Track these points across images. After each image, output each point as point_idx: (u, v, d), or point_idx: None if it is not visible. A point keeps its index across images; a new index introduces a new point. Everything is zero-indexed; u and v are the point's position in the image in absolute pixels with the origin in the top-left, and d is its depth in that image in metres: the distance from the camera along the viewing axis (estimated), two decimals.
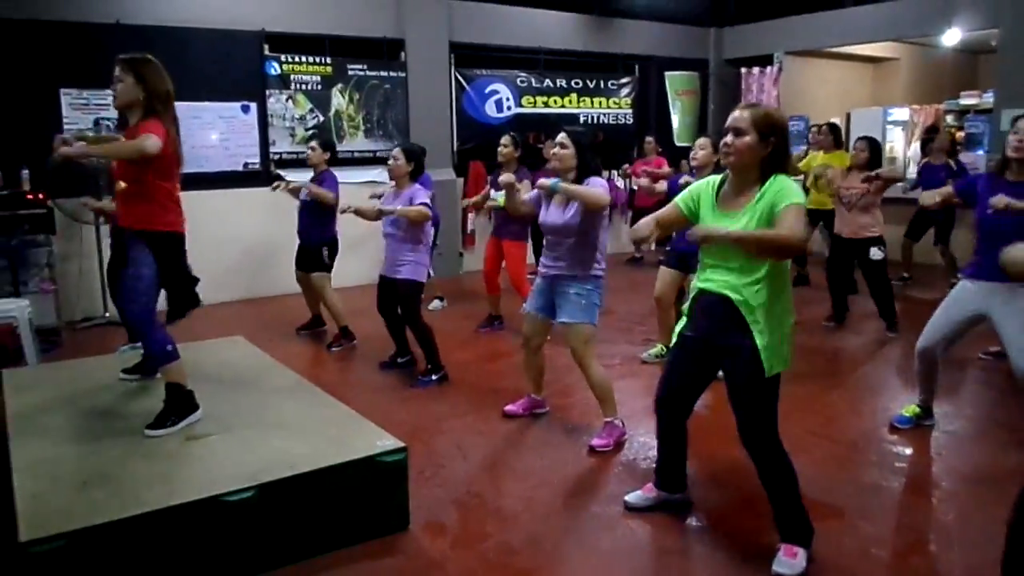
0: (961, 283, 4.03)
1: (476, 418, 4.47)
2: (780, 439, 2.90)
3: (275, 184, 6.20)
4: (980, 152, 8.86)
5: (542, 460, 3.99)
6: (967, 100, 10.30)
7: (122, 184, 3.48)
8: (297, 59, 8.11)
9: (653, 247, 3.16)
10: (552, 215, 4.03)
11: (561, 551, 3.10)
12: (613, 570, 2.97)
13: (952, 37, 9.68)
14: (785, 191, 2.75)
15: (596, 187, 3.90)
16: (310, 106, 8.24)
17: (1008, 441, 4.17)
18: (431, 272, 5.20)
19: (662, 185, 5.63)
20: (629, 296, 7.82)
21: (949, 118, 10.71)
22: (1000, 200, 3.75)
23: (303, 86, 8.18)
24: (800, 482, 3.26)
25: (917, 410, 4.30)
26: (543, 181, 3.96)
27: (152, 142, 3.27)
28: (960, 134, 9.86)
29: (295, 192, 6.01)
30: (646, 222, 3.07)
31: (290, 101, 8.12)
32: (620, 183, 10.49)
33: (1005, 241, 3.78)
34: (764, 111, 2.83)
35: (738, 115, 2.83)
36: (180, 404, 3.52)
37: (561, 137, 4.01)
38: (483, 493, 3.61)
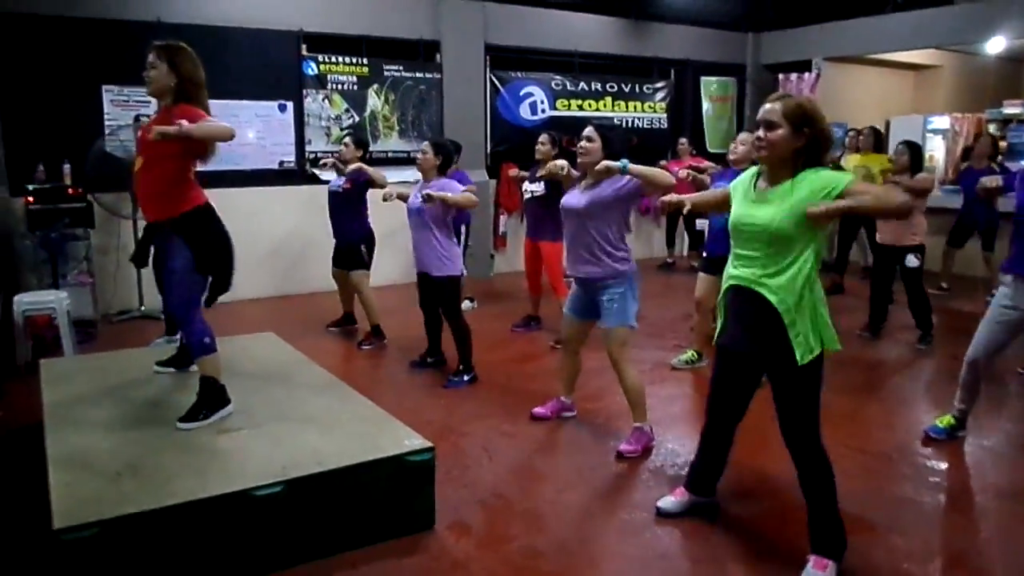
0: (1001, 288, 3.95)
1: (504, 420, 4.46)
2: (821, 437, 2.85)
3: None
4: (1023, 163, 8.67)
5: (569, 464, 3.98)
6: (1011, 109, 10.09)
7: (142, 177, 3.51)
8: (334, 59, 8.18)
9: (685, 211, 3.10)
10: (572, 198, 4.02)
11: (586, 556, 3.08)
12: (641, 575, 2.94)
13: (996, 45, 9.50)
14: (833, 179, 2.67)
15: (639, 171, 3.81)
16: (346, 106, 8.30)
17: None
18: (463, 272, 5.19)
19: (706, 179, 5.51)
20: (660, 302, 7.76)
21: (991, 127, 10.48)
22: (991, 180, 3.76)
23: (339, 86, 8.25)
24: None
25: (952, 421, 4.23)
26: (609, 163, 3.83)
27: (227, 124, 3.38)
28: (1003, 143, 9.66)
29: (403, 198, 5.60)
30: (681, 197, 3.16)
31: (326, 101, 8.19)
32: None
33: None
34: (796, 101, 2.77)
35: (769, 107, 2.78)
36: (213, 398, 3.55)
37: (588, 131, 3.95)
38: (509, 495, 3.60)
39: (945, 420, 4.25)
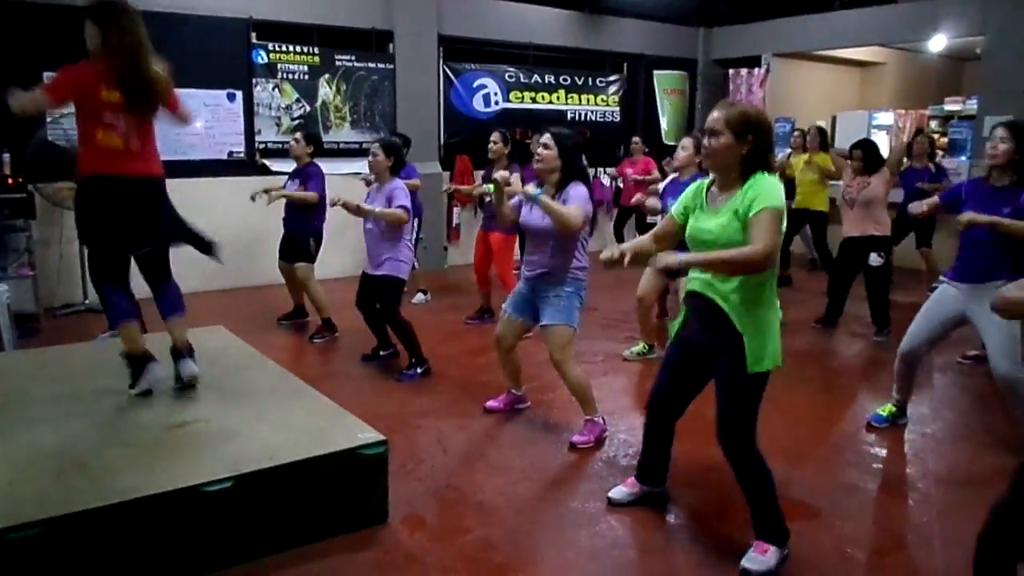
0: (942, 286, 4.07)
1: (458, 412, 4.46)
2: (756, 443, 2.91)
3: (254, 194, 6.13)
4: (963, 158, 8.94)
5: (523, 455, 4.00)
6: (951, 106, 10.38)
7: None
8: (284, 48, 8.06)
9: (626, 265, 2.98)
10: (534, 216, 4.01)
11: (541, 546, 3.10)
12: (592, 565, 2.97)
13: (938, 43, 9.76)
14: (763, 194, 2.69)
15: (575, 203, 3.85)
16: (297, 96, 8.19)
17: (985, 443, 4.22)
18: (416, 265, 5.17)
19: (656, 203, 5.60)
20: (613, 294, 7.83)
21: (933, 123, 10.78)
22: (964, 217, 3.81)
23: (290, 75, 8.13)
24: (779, 482, 3.28)
25: (893, 409, 4.36)
26: (527, 188, 3.94)
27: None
28: (943, 140, 9.94)
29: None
30: (621, 248, 2.96)
31: (276, 90, 8.07)
32: (606, 181, 10.50)
33: (986, 245, 3.84)
34: (739, 110, 2.79)
35: (714, 116, 2.82)
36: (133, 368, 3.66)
37: (545, 138, 3.97)
38: (463, 487, 3.61)
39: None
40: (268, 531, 2.96)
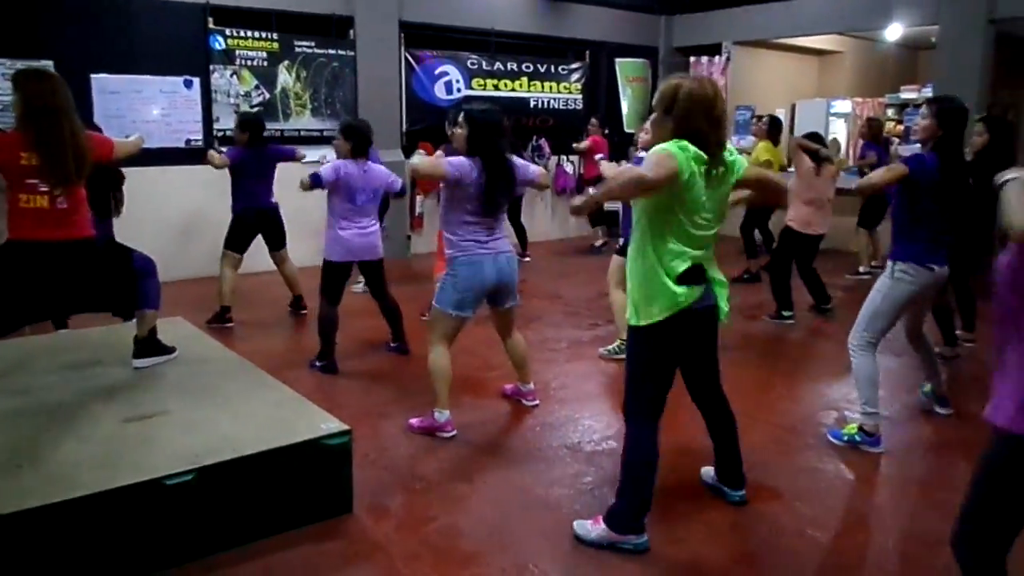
0: (898, 270, 3.97)
1: (424, 402, 4.45)
2: (635, 415, 2.98)
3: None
4: (918, 146, 9.09)
5: (488, 443, 4.01)
6: (907, 94, 10.57)
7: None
8: (242, 34, 7.92)
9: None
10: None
11: (505, 533, 3.11)
12: (559, 550, 3.00)
13: (894, 32, 9.91)
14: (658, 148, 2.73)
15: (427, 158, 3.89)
16: (255, 82, 8.06)
17: (941, 423, 4.32)
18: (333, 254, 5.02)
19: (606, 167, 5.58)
20: (576, 280, 7.88)
21: (890, 111, 10.98)
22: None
23: (248, 62, 8.00)
24: (743, 465, 3.35)
25: (928, 389, 4.48)
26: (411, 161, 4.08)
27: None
28: (899, 127, 10.13)
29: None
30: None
31: (235, 77, 7.93)
32: (569, 168, 10.52)
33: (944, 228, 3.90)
34: (669, 84, 2.81)
35: (657, 92, 2.88)
36: None
37: (460, 117, 3.95)
38: (428, 476, 3.60)
39: (927, 387, 4.48)
40: (231, 523, 2.93)
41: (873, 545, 3.18)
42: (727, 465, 3.34)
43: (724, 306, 2.98)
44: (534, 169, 4.22)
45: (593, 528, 3.02)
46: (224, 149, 6.97)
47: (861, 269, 8.20)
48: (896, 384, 4.92)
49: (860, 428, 3.96)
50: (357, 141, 4.96)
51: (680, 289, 2.79)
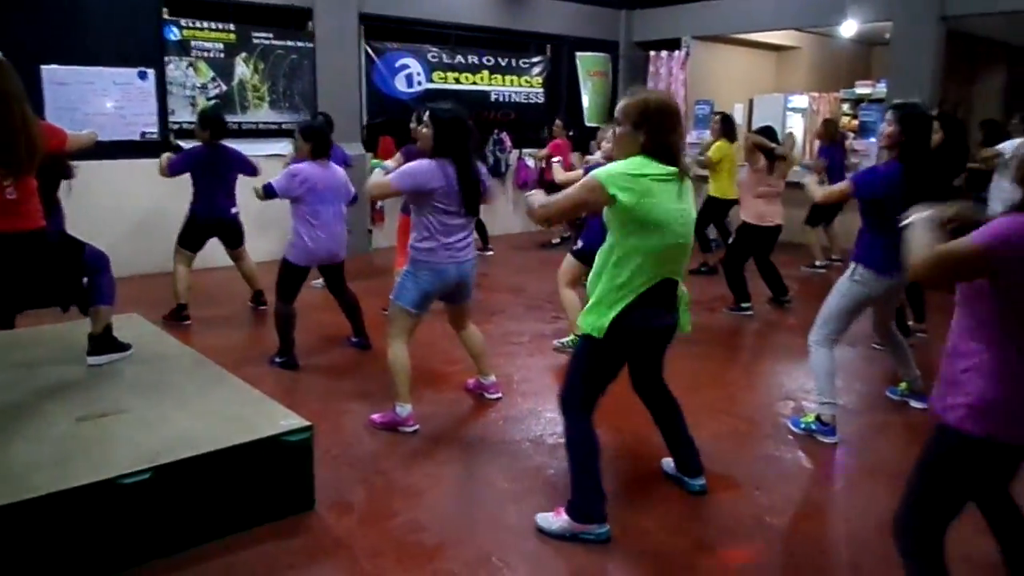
0: (858, 272, 3.99)
1: (385, 397, 4.42)
2: (578, 409, 3.02)
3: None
4: (872, 139, 9.27)
5: (451, 437, 4.01)
6: (862, 89, 10.74)
7: None
8: (198, 24, 7.78)
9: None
10: None
11: (468, 526, 3.12)
12: (522, 542, 3.01)
13: (849, 28, 10.07)
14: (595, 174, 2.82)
15: (396, 173, 3.87)
16: (212, 74, 7.92)
17: (893, 410, 4.43)
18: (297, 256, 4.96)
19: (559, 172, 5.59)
20: (539, 274, 7.89)
21: (845, 106, 11.16)
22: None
23: (205, 53, 7.86)
24: (701, 455, 3.40)
25: (906, 388, 4.53)
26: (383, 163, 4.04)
27: None
28: (854, 122, 10.30)
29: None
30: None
31: (191, 68, 7.79)
32: (531, 162, 10.53)
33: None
34: (637, 99, 2.85)
35: (618, 105, 2.91)
36: None
37: (425, 116, 3.93)
38: (390, 471, 3.59)
39: (902, 386, 4.54)
40: (191, 523, 2.89)
41: (829, 532, 3.26)
42: (682, 454, 3.38)
43: (685, 322, 3.05)
44: (490, 184, 4.22)
45: (555, 520, 3.04)
46: (183, 144, 6.89)
47: (817, 263, 8.34)
48: (851, 375, 5.02)
49: (817, 418, 4.03)
50: (317, 142, 4.88)
51: (636, 314, 2.83)
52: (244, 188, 6.03)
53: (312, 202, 4.81)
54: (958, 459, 2.10)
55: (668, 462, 3.52)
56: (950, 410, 2.09)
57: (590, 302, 2.91)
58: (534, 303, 6.80)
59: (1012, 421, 2.01)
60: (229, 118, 7.64)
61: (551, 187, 9.19)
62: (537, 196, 3.11)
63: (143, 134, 7.57)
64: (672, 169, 2.80)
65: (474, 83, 10.05)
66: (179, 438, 3.01)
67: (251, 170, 6.01)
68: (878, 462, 3.87)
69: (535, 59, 10.73)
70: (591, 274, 2.98)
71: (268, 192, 4.77)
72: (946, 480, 2.14)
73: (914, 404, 4.45)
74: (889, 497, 3.31)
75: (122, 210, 7.35)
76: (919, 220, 2.12)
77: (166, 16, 7.58)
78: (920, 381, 4.42)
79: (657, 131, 2.79)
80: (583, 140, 10.10)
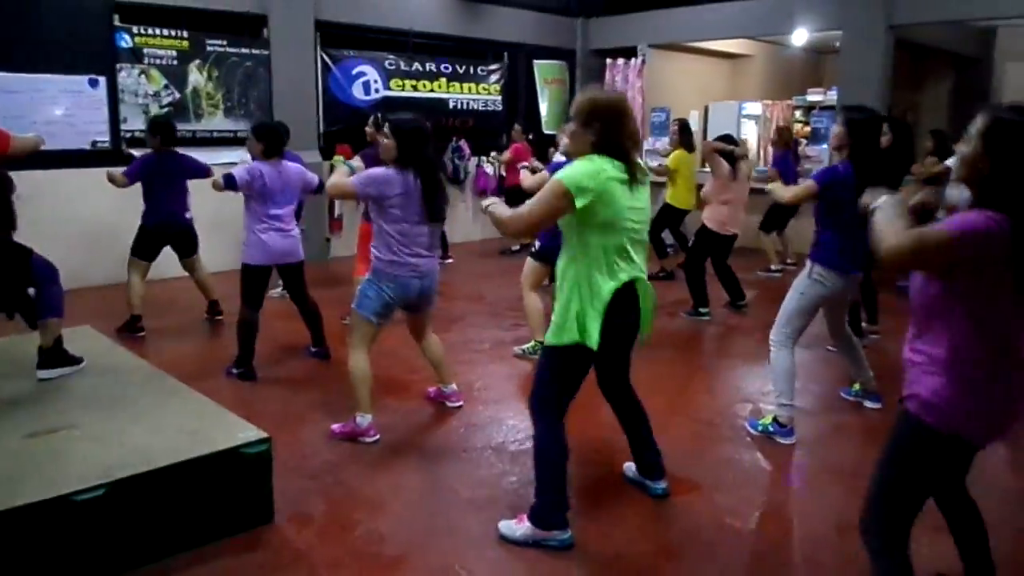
0: (816, 273, 4.04)
1: (344, 408, 4.38)
2: (547, 416, 3.01)
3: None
4: (824, 146, 9.45)
5: (411, 446, 3.99)
6: (813, 97, 10.96)
7: None
8: (150, 31, 7.66)
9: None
10: None
11: (429, 536, 3.10)
12: (483, 552, 3.00)
13: (800, 37, 10.27)
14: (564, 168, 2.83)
15: (341, 175, 3.93)
16: (165, 82, 7.81)
17: (849, 413, 4.51)
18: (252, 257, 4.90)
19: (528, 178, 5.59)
20: (499, 282, 7.90)
21: (798, 113, 11.37)
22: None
23: (157, 60, 7.74)
24: (662, 458, 3.42)
25: (858, 388, 4.63)
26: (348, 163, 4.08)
27: None
28: (806, 129, 10.50)
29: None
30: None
31: (143, 76, 7.67)
32: (489, 169, 10.54)
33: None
34: (587, 97, 2.89)
35: (573, 104, 2.94)
36: None
37: (386, 127, 3.90)
38: (350, 482, 3.56)
39: (856, 387, 4.64)
40: (147, 539, 2.84)
41: (788, 532, 3.30)
42: (645, 458, 3.41)
43: (646, 324, 3.04)
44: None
45: (518, 527, 3.03)
46: (135, 153, 6.78)
47: (772, 267, 8.48)
48: (807, 377, 5.09)
49: (775, 419, 4.09)
50: (269, 141, 4.85)
51: (604, 317, 2.83)
52: (198, 194, 5.97)
53: (264, 201, 4.77)
54: (918, 448, 2.14)
55: (630, 466, 3.54)
56: (910, 399, 2.13)
57: (563, 314, 2.87)
58: (495, 310, 6.80)
59: (965, 418, 2.06)
60: (183, 126, 7.56)
61: (511, 193, 9.28)
62: (498, 206, 3.11)
63: (94, 143, 7.43)
64: (625, 166, 2.82)
65: (432, 91, 10.04)
66: (133, 453, 2.95)
67: (203, 172, 5.92)
68: (834, 462, 3.94)
69: (493, 67, 10.75)
70: (557, 283, 2.97)
71: (228, 182, 4.71)
72: (908, 469, 2.17)
73: (868, 404, 4.54)
74: (846, 496, 3.38)
75: (73, 220, 7.20)
76: (887, 203, 2.14)
77: (117, 23, 7.45)
78: (873, 382, 4.51)
79: (606, 129, 2.81)
80: (542, 146, 10.14)
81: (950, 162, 6.57)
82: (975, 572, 2.54)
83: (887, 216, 2.09)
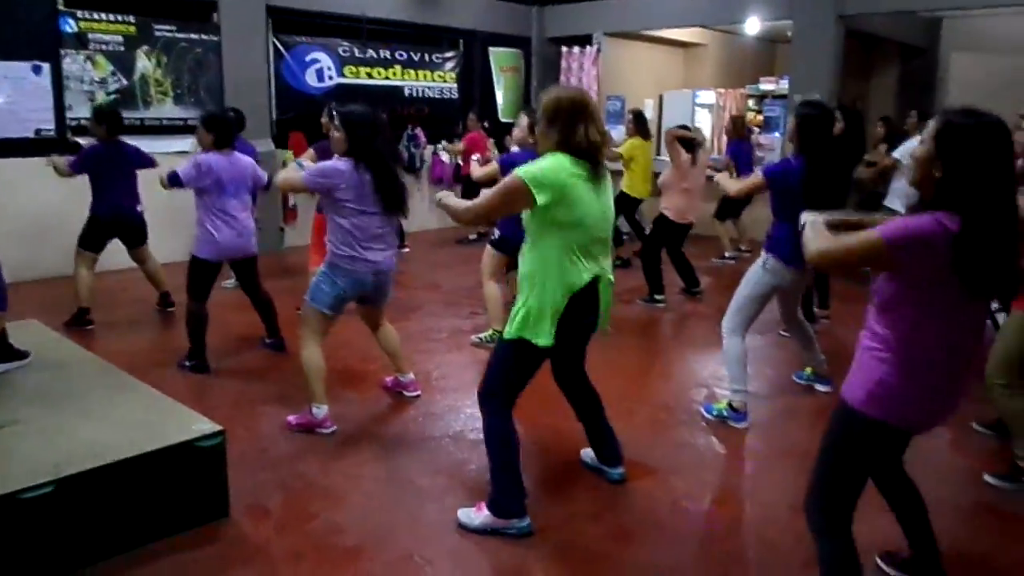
0: (769, 264, 4.10)
1: (300, 397, 4.34)
2: (498, 407, 3.02)
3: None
4: (776, 134, 9.60)
5: (369, 436, 3.97)
6: (766, 85, 11.10)
7: None
8: (96, 16, 7.45)
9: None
10: None
11: (388, 525, 3.10)
12: (443, 539, 3.01)
13: (752, 26, 10.39)
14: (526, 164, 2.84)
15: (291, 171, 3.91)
16: (112, 68, 7.60)
17: (800, 397, 4.60)
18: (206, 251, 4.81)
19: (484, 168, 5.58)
20: (456, 271, 7.89)
21: (751, 102, 11.50)
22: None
23: (103, 46, 7.53)
24: (619, 444, 3.46)
25: (809, 372, 4.73)
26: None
27: None
28: (759, 117, 10.63)
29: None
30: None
31: (89, 62, 7.46)
32: (445, 158, 10.49)
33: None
34: (552, 96, 2.90)
35: (539, 103, 2.94)
36: None
37: (336, 120, 3.86)
38: (308, 473, 3.53)
39: (808, 371, 4.73)
40: (98, 536, 2.79)
41: (742, 513, 3.37)
42: (603, 444, 3.44)
43: (605, 320, 3.06)
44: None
45: (476, 515, 3.05)
46: (81, 142, 6.60)
47: (726, 255, 8.59)
48: (760, 362, 5.18)
49: (729, 404, 4.16)
50: (219, 131, 4.73)
51: (573, 315, 2.86)
52: (148, 186, 5.84)
53: (217, 194, 4.68)
54: (856, 437, 2.20)
55: (587, 452, 3.57)
56: (850, 389, 2.19)
57: (523, 310, 2.88)
58: (452, 299, 6.79)
59: (906, 407, 2.12)
60: (131, 114, 7.39)
61: (468, 182, 9.25)
62: (449, 198, 3.14)
63: (38, 131, 7.22)
64: (588, 164, 2.83)
65: (387, 78, 9.95)
66: (83, 448, 2.89)
67: (149, 162, 5.81)
68: (787, 444, 4.02)
69: (448, 54, 10.68)
70: (519, 277, 2.97)
71: (173, 181, 4.62)
72: (846, 457, 2.24)
73: (819, 388, 4.64)
74: (798, 477, 3.43)
75: (16, 211, 7.00)
76: (812, 222, 2.25)
77: (61, 7, 7.23)
78: (825, 365, 4.61)
79: (569, 128, 2.82)
80: (498, 134, 10.12)
81: (897, 154, 6.72)
82: (918, 548, 2.63)
83: (816, 226, 2.23)
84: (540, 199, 2.74)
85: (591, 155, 2.85)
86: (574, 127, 2.82)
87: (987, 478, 3.54)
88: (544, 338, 2.84)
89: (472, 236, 9.74)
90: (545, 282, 2.85)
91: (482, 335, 5.48)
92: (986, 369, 3.51)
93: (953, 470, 3.72)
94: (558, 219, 2.79)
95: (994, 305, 5.26)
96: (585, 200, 2.82)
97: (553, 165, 2.79)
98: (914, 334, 2.08)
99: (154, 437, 3.00)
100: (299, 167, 4.02)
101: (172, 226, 7.20)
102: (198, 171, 4.60)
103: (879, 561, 2.79)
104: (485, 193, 2.93)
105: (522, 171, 2.78)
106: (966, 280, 1.98)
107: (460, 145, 9.67)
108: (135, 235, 5.92)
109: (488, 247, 5.36)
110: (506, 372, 3.01)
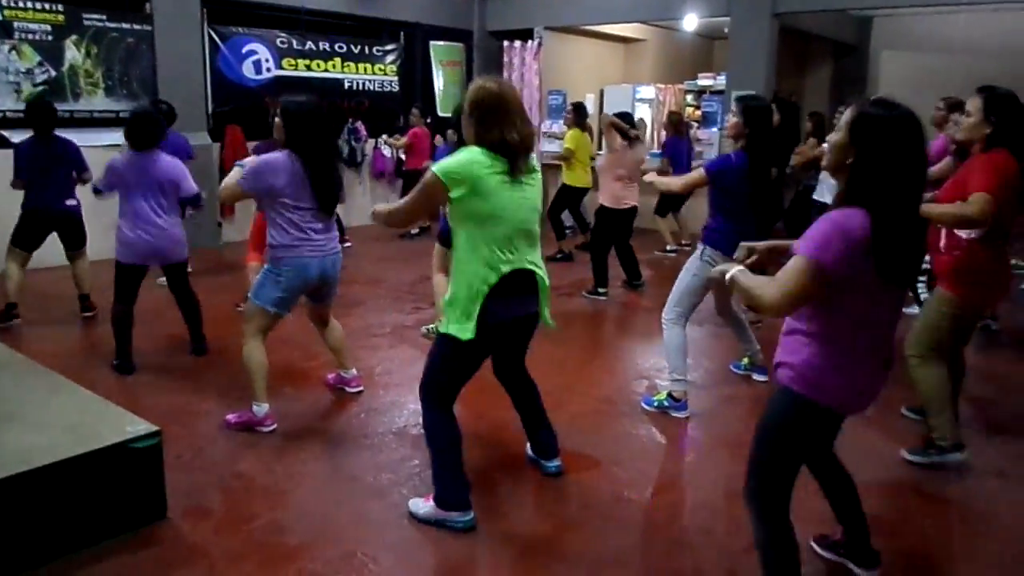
0: (707, 255, 4.17)
1: (241, 398, 4.27)
2: (436, 403, 3.03)
3: None
4: (714, 129, 9.77)
5: (312, 434, 3.93)
6: (704, 81, 11.25)
7: None
8: (21, 4, 7.18)
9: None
10: None
11: (332, 523, 3.07)
12: (387, 536, 3.00)
13: (691, 22, 10.54)
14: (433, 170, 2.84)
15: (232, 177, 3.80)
16: (39, 59, 7.34)
17: (738, 386, 4.70)
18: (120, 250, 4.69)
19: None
20: (399, 265, 7.85)
21: (689, 97, 11.66)
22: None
23: (29, 35, 7.26)
24: (560, 436, 3.48)
25: (746, 361, 4.81)
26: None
27: None
28: (698, 112, 10.80)
29: None
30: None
31: (14, 52, 7.19)
32: (387, 151, 10.40)
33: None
34: (475, 86, 2.89)
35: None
36: None
37: (280, 111, 3.80)
38: (248, 473, 3.48)
39: (745, 360, 4.82)
40: (29, 542, 2.70)
41: (683, 502, 3.43)
42: (539, 437, 3.46)
43: (546, 313, 3.07)
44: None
45: (424, 505, 3.06)
46: (5, 134, 6.35)
47: (668, 248, 8.73)
48: (699, 352, 5.28)
49: (669, 395, 4.23)
50: (134, 132, 4.59)
51: (498, 307, 2.85)
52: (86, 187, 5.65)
53: (125, 196, 4.56)
54: (791, 420, 2.26)
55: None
56: (781, 368, 2.24)
57: (449, 303, 2.89)
58: (395, 294, 6.75)
59: (836, 388, 2.19)
60: (60, 106, 7.12)
61: (409, 176, 9.19)
62: (378, 206, 3.20)
63: None
64: (506, 160, 2.81)
65: (326, 70, 9.81)
66: (9, 452, 2.79)
67: (82, 170, 5.61)
68: (726, 433, 4.10)
69: (389, 47, 10.59)
70: (450, 271, 2.98)
71: (95, 192, 4.57)
72: (782, 441, 2.30)
73: (756, 377, 4.74)
74: (736, 465, 3.51)
75: None
76: (736, 273, 2.24)
77: None
78: (761, 355, 4.71)
79: (484, 126, 2.80)
80: (438, 128, 10.07)
81: (826, 145, 6.92)
82: (850, 530, 2.72)
83: (747, 278, 2.21)
84: (453, 192, 2.76)
85: (508, 153, 2.82)
86: (490, 127, 2.80)
87: (904, 454, 3.68)
88: (467, 332, 2.83)
89: (414, 231, 9.68)
90: (464, 274, 2.85)
91: (429, 327, 5.48)
92: (904, 343, 3.64)
93: (879, 453, 3.84)
94: (473, 211, 2.79)
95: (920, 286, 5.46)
96: (502, 194, 2.80)
97: (466, 159, 2.79)
98: (835, 315, 2.14)
99: (87, 439, 2.91)
100: (240, 168, 3.92)
101: (99, 222, 6.98)
102: (108, 174, 4.54)
103: (813, 544, 2.87)
104: (408, 194, 2.96)
105: (437, 166, 2.80)
106: (879, 266, 2.05)
107: (403, 140, 9.61)
108: (73, 234, 5.70)
109: (436, 244, 5.35)
110: (443, 367, 3.00)
